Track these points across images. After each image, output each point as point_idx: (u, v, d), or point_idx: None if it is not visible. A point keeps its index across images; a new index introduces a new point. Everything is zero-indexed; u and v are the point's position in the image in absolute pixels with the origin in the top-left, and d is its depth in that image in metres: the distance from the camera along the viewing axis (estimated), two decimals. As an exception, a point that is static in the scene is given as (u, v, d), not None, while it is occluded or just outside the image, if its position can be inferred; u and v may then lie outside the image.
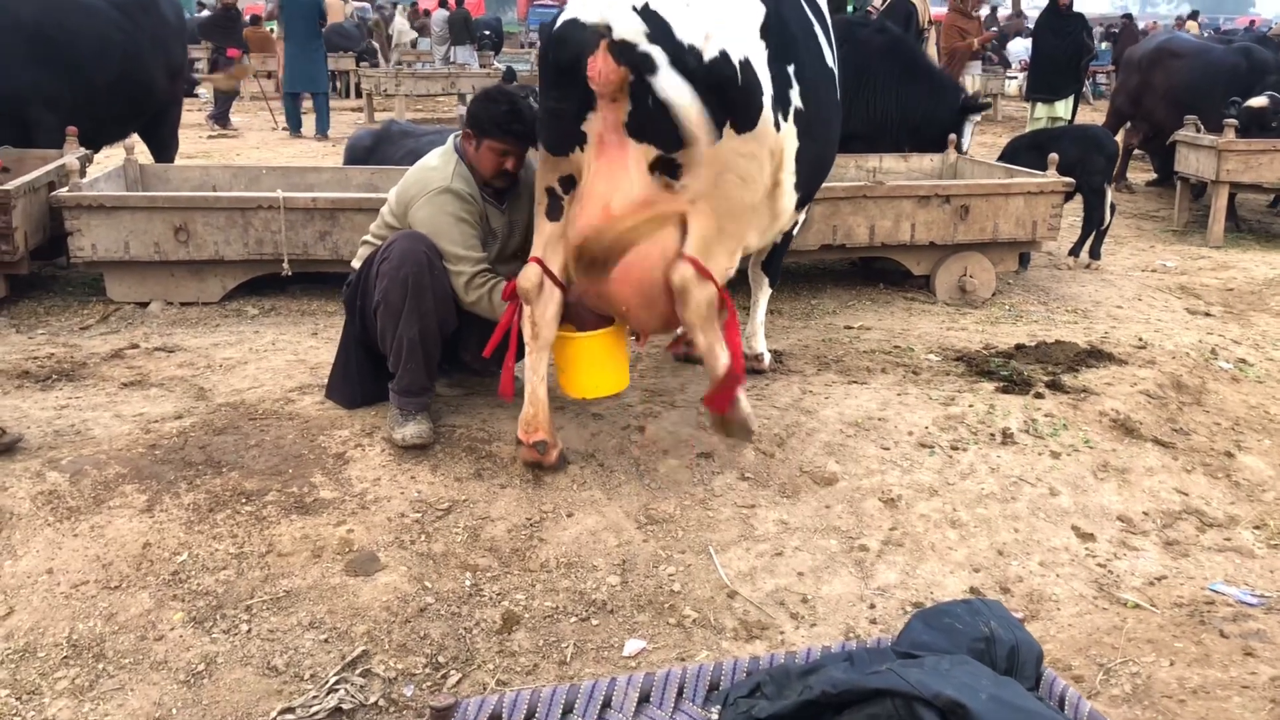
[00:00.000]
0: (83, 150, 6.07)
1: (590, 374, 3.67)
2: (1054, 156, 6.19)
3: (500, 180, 3.84)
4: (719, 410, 3.50)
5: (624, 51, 3.05)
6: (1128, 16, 27.67)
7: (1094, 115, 14.07)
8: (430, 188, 3.74)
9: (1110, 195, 7.11)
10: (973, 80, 10.12)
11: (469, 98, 15.37)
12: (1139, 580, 3.22)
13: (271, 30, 20.12)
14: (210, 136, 13.36)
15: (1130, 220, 9.07)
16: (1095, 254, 7.24)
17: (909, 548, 3.31)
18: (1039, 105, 10.78)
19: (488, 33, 25.49)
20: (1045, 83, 10.62)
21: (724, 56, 3.15)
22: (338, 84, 19.88)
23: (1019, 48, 19.79)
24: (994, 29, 12.92)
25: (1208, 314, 6.13)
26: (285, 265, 5.45)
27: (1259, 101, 8.28)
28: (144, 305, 5.43)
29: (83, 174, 5.73)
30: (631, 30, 3.06)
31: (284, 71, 13.84)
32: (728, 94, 3.18)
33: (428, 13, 26.11)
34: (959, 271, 6.10)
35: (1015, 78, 19.49)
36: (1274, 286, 6.72)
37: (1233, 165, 7.90)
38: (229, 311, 5.47)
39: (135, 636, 2.75)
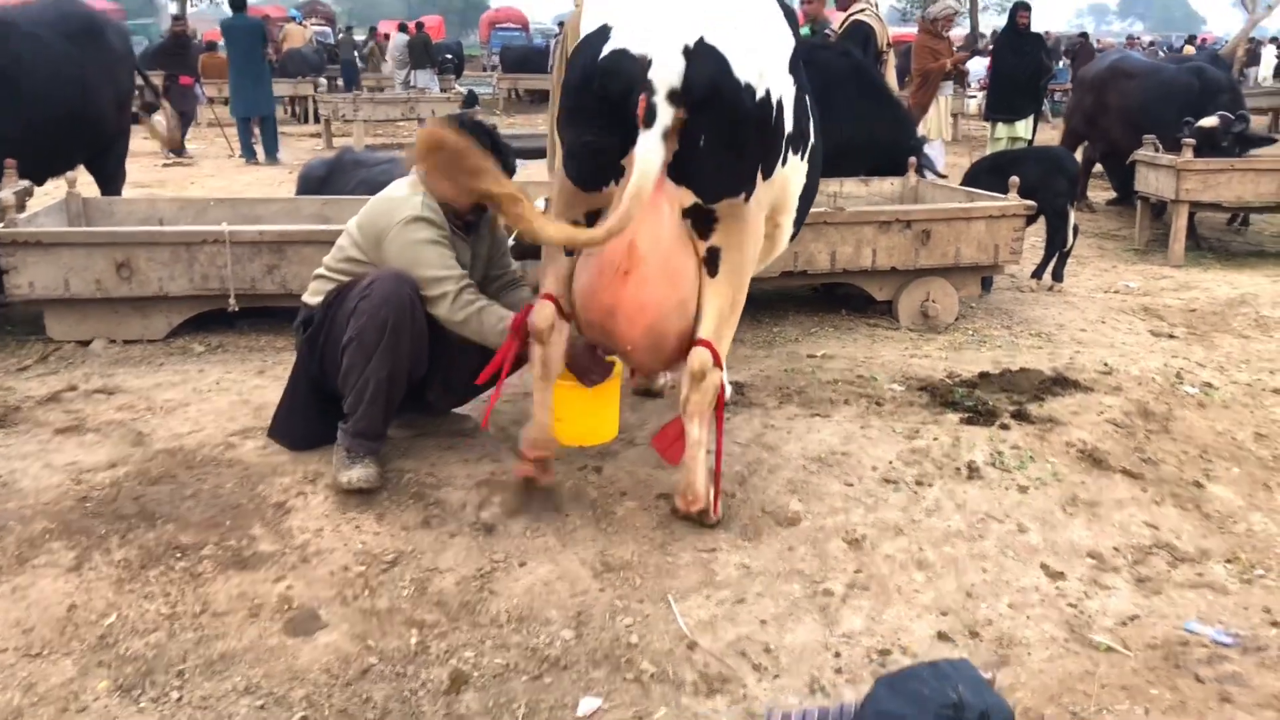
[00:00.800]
0: (22, 183, 5.88)
1: (586, 423, 3.59)
2: (1015, 179, 6.14)
3: (474, 214, 3.77)
4: (707, 517, 3.44)
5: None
6: (1083, 35, 28.04)
7: (1053, 134, 14.15)
8: (400, 217, 3.61)
9: (1073, 217, 7.08)
10: (946, 100, 10.09)
11: (429, 122, 15.33)
12: (1111, 620, 3.12)
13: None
14: (165, 165, 13.15)
15: (1092, 240, 9.07)
16: (1058, 276, 7.20)
17: (874, 591, 3.20)
18: (999, 125, 10.80)
19: (449, 56, 25.43)
20: (1005, 103, 10.65)
21: (768, 96, 3.03)
22: (296, 109, 19.72)
23: (977, 67, 19.94)
24: (970, 50, 12.90)
25: (1171, 335, 6.08)
26: (232, 300, 5.29)
27: (1210, 121, 8.35)
28: (86, 344, 5.24)
29: (22, 208, 5.55)
30: (672, 80, 2.88)
31: (230, 97, 13.80)
32: (763, 137, 3.07)
33: (387, 36, 26.04)
34: (921, 296, 6.03)
35: (974, 97, 19.62)
36: (1235, 306, 6.71)
37: (1191, 185, 7.92)
38: (174, 349, 5.29)
39: (56, 709, 2.58)
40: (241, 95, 13.50)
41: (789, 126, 3.28)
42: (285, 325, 5.41)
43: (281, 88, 17.47)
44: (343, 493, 3.52)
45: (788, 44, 3.35)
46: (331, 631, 2.89)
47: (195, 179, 12.10)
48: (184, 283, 5.23)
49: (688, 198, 3.04)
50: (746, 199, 3.09)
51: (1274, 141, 9.23)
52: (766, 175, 3.17)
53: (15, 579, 2.99)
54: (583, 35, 3.20)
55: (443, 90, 20.18)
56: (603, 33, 3.05)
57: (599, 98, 3.00)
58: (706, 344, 3.14)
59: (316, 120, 17.25)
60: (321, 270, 3.84)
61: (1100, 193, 11.37)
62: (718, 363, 3.17)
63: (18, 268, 5.05)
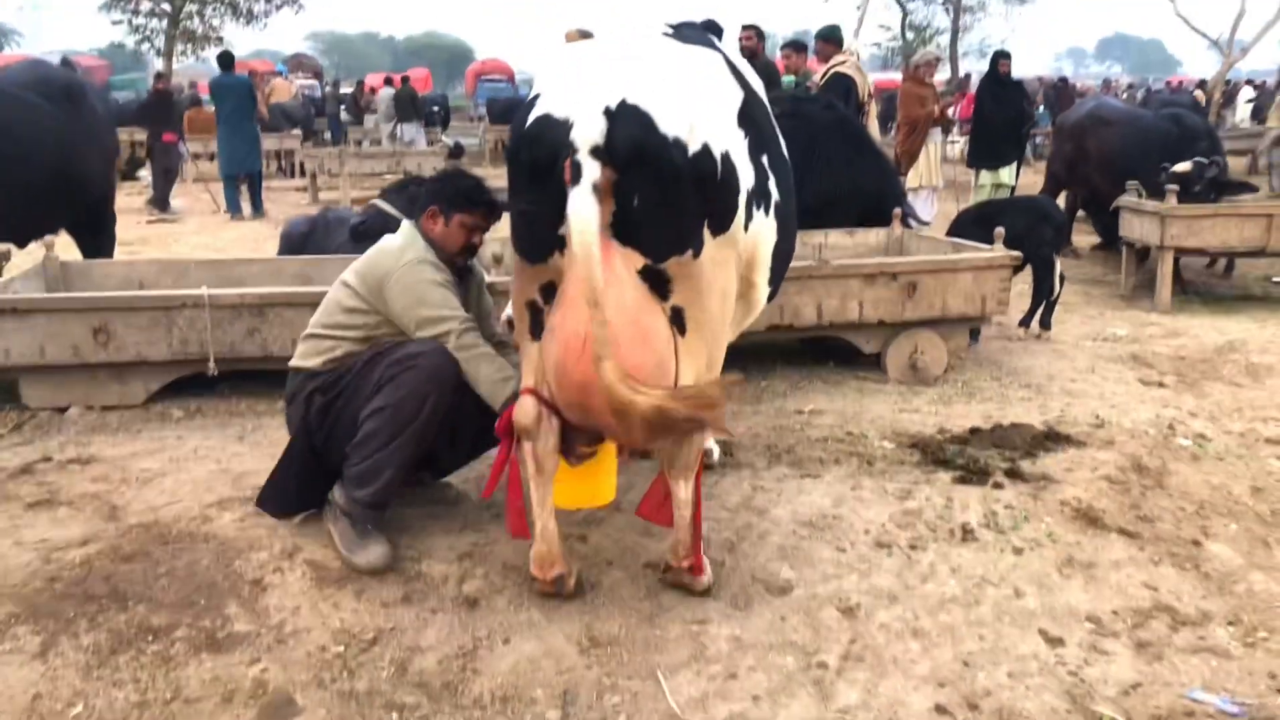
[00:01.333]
0: (-1, 248, 5.82)
1: (582, 484, 3.47)
2: (1000, 230, 6.12)
3: (463, 256, 3.77)
4: (692, 576, 3.34)
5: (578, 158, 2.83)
6: (1063, 80, 28.40)
7: (1036, 178, 14.22)
8: (404, 260, 3.61)
9: (1059, 265, 7.06)
10: (935, 147, 10.14)
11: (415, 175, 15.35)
12: (1113, 689, 3.02)
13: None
14: (149, 222, 13.11)
15: (1078, 285, 9.05)
16: (1045, 324, 7.17)
17: (870, 662, 3.10)
18: (983, 172, 10.85)
19: (436, 108, 25.56)
20: (990, 150, 10.70)
21: (705, 150, 2.96)
22: (282, 163, 19.73)
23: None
24: (960, 92, 12.98)
25: (1161, 384, 6.03)
26: (211, 365, 5.20)
27: (1183, 166, 8.44)
28: (62, 410, 5.15)
29: (-2, 272, 5.49)
30: (594, 138, 2.82)
31: (219, 154, 13.86)
32: (706, 192, 2.99)
33: (374, 90, 26.18)
34: (909, 349, 5.98)
35: (956, 142, 19.75)
36: (1225, 353, 6.67)
37: (1177, 230, 7.93)
38: (152, 415, 5.20)
39: (17, 809, 2.47)
40: (230, 153, 13.59)
41: (746, 181, 3.21)
42: (266, 389, 5.34)
43: (267, 142, 17.50)
44: (321, 568, 3.42)
45: (734, 98, 3.28)
46: (308, 717, 2.78)
47: (179, 236, 12.05)
48: (162, 348, 5.15)
49: (638, 258, 2.98)
50: (696, 255, 3.02)
51: (1251, 189, 9.27)
52: (719, 229, 3.08)
53: (-21, 668, 2.88)
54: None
55: (430, 142, 20.27)
56: (532, 102, 3.05)
57: (528, 164, 2.99)
58: None
59: (302, 174, 17.27)
60: (314, 330, 3.75)
61: (1084, 238, 11.39)
62: None
63: (-8, 335, 4.97)
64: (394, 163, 15.70)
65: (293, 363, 3.78)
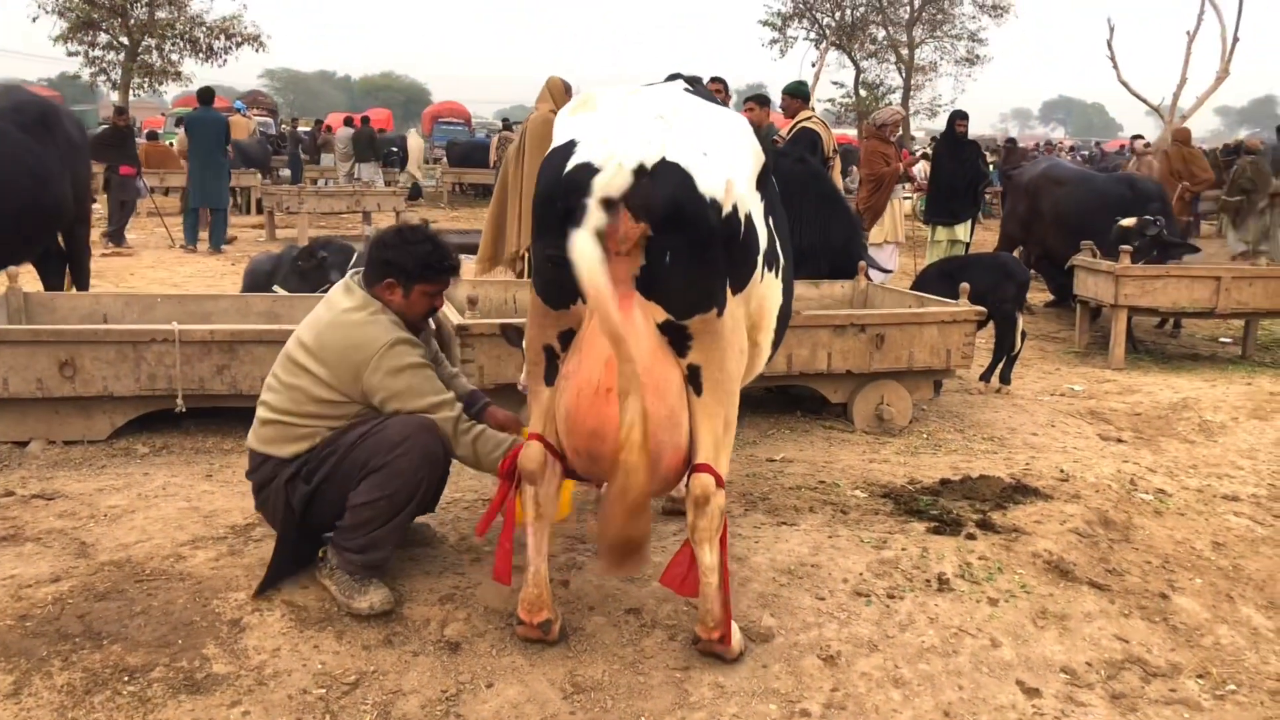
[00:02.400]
0: (-39, 278, 5.72)
1: None
2: (965, 286, 6.26)
3: (425, 320, 3.70)
4: (723, 646, 3.26)
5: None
6: (1011, 140, 29.11)
7: (986, 235, 14.54)
8: (380, 343, 3.40)
9: (1021, 322, 7.22)
10: (899, 204, 10.34)
11: (374, 216, 15.33)
12: (1090, 740, 3.08)
13: (171, 144, 19.89)
14: (104, 255, 12.90)
15: (1034, 341, 9.24)
16: (1005, 379, 7.32)
17: (852, 711, 3.12)
18: (939, 229, 11.07)
19: (394, 149, 25.53)
20: (946, 208, 10.93)
21: (735, 210, 3.01)
22: (239, 200, 19.57)
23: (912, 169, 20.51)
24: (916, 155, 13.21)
25: (1120, 440, 6.18)
26: (179, 401, 5.14)
27: (1129, 221, 8.75)
28: (23, 444, 5.05)
29: (-40, 304, 5.38)
30: (609, 191, 2.81)
31: (188, 187, 14.03)
32: (731, 252, 3.03)
33: (330, 129, 26.15)
34: (876, 400, 6.07)
35: (910, 198, 20.09)
36: (1178, 411, 6.85)
37: (1130, 290, 8.16)
38: (117, 450, 5.11)
39: None
40: (200, 187, 13.66)
41: (762, 243, 3.27)
42: (232, 426, 5.29)
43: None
44: (300, 609, 3.38)
45: (757, 162, 3.36)
46: (291, 762, 2.74)
47: (135, 269, 11.89)
48: (130, 383, 5.08)
49: (660, 313, 2.99)
50: (719, 314, 3.05)
51: (1193, 249, 9.57)
52: (738, 289, 3.14)
53: (-51, 707, 2.80)
54: (552, 147, 3.18)
55: (387, 183, 20.25)
56: (568, 147, 3.03)
57: (561, 211, 2.94)
58: (706, 468, 3.06)
59: (259, 211, 17.16)
60: (283, 419, 3.47)
61: (1037, 295, 11.64)
62: (720, 484, 3.09)
63: (-46, 366, 4.87)
64: (353, 202, 15.65)
65: (259, 447, 3.54)
